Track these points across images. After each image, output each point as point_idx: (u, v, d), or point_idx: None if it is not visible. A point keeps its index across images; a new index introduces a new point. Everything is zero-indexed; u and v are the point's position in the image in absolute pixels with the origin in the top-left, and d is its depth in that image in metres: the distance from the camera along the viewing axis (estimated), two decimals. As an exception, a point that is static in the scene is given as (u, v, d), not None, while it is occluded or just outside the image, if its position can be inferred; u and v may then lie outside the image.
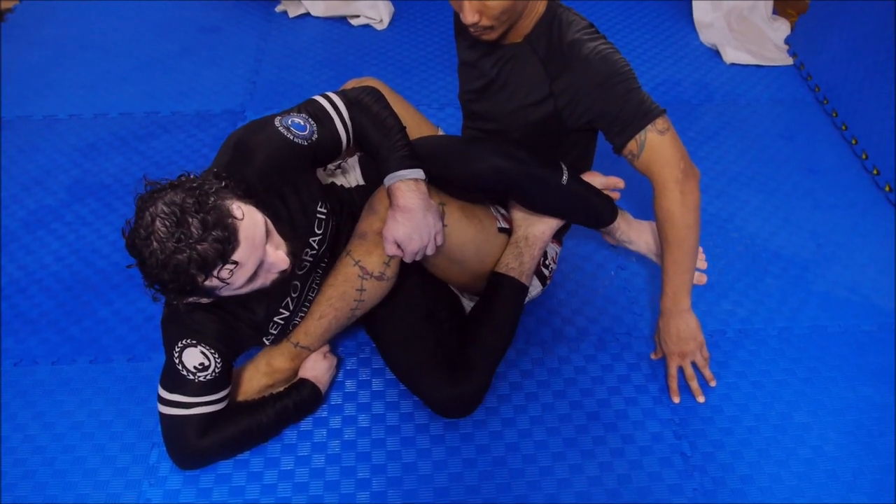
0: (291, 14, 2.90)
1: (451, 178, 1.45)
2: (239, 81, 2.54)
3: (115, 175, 2.15)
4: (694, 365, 1.59)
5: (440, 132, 1.75)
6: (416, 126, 1.72)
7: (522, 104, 1.52)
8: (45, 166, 2.18)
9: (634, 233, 1.71)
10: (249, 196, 1.23)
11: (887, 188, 2.09)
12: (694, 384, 1.58)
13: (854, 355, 1.68)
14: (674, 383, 1.58)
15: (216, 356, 1.34)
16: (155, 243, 1.10)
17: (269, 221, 1.23)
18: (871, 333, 1.73)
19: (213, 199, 1.13)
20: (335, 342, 1.68)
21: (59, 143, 2.27)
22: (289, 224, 1.35)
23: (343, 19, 2.89)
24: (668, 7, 2.98)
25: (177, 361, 1.32)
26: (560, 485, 1.43)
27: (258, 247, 1.18)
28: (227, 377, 1.38)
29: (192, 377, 1.32)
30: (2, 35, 2.76)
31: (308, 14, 2.91)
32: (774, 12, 2.89)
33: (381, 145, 1.40)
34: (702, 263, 1.80)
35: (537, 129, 1.54)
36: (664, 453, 1.49)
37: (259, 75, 2.57)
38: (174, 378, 1.34)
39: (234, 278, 1.17)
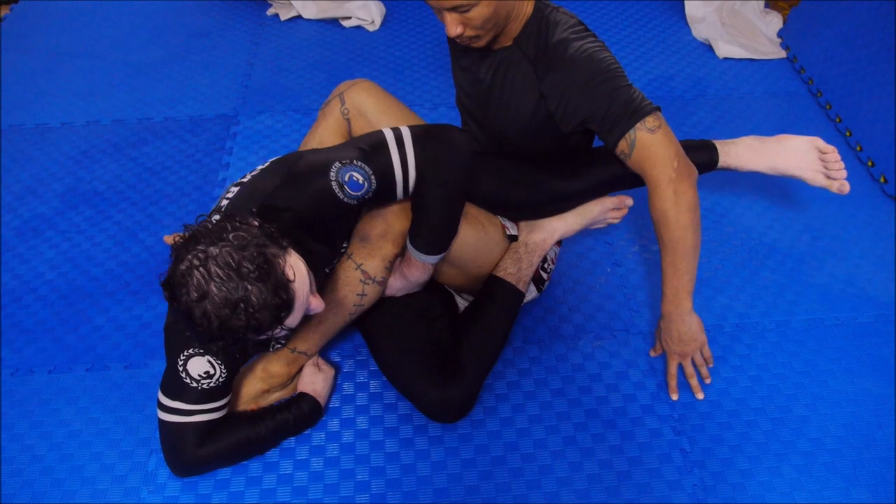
0: (283, 17, 2.89)
1: (512, 204, 1.58)
2: (231, 85, 2.54)
3: (109, 182, 2.14)
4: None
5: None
6: (411, 127, 1.72)
7: (519, 110, 1.51)
8: (38, 175, 2.17)
9: (734, 161, 1.70)
10: (284, 235, 1.18)
11: (882, 180, 2.09)
12: (693, 382, 1.58)
13: (852, 347, 1.68)
14: (673, 381, 1.58)
15: (221, 366, 1.33)
16: (209, 306, 1.06)
17: (309, 271, 1.18)
18: (868, 325, 1.73)
19: (268, 261, 1.08)
20: (331, 345, 1.68)
21: (52, 151, 2.26)
22: (315, 257, 1.33)
23: (335, 21, 2.88)
24: (660, 3, 2.98)
25: (180, 369, 1.31)
26: (560, 483, 1.43)
27: (305, 302, 1.17)
28: (228, 386, 1.37)
29: (195, 385, 1.32)
30: (-7, 44, 2.75)
31: (299, 16, 2.90)
32: (766, 6, 2.89)
33: (429, 215, 1.39)
34: (841, 172, 1.65)
35: (535, 133, 1.53)
36: (663, 449, 1.49)
37: (251, 79, 2.57)
38: (176, 385, 1.33)
39: (281, 333, 1.17)
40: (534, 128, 1.52)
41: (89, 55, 2.70)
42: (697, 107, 2.42)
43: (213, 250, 1.07)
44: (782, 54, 2.66)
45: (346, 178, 1.27)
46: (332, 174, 1.27)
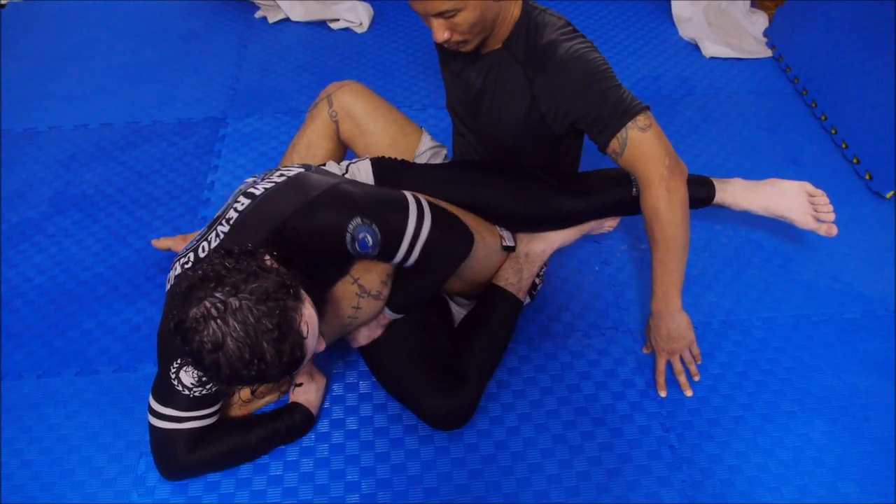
0: (271, 20, 2.89)
1: (515, 218, 1.61)
2: (219, 88, 2.54)
3: (97, 186, 2.14)
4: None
5: (424, 134, 1.74)
6: (400, 129, 1.71)
7: (511, 114, 1.51)
8: (26, 179, 2.16)
9: (730, 198, 1.72)
10: (297, 266, 1.18)
11: (867, 177, 2.11)
12: (682, 379, 1.59)
13: (838, 343, 1.70)
14: (661, 378, 1.58)
15: None
16: (222, 358, 1.06)
17: (317, 314, 1.18)
18: (855, 321, 1.74)
19: (287, 319, 1.08)
20: (322, 346, 1.68)
21: (40, 155, 2.25)
22: (323, 284, 1.34)
23: (323, 23, 2.89)
24: (647, 3, 3.00)
25: (173, 376, 1.30)
26: (549, 481, 1.44)
27: (313, 352, 1.17)
28: (220, 393, 1.36)
29: (186, 392, 1.31)
30: (-20, 48, 2.74)
31: (287, 19, 2.90)
32: (752, 5, 2.91)
33: (408, 284, 1.43)
34: (829, 215, 1.67)
35: (528, 136, 1.54)
36: (652, 446, 1.50)
37: (240, 82, 2.57)
38: (168, 391, 1.32)
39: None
40: (527, 131, 1.53)
41: (77, 59, 2.69)
42: (685, 106, 2.43)
43: (234, 302, 1.06)
44: (768, 53, 2.68)
45: (360, 237, 1.26)
46: (350, 227, 1.24)
